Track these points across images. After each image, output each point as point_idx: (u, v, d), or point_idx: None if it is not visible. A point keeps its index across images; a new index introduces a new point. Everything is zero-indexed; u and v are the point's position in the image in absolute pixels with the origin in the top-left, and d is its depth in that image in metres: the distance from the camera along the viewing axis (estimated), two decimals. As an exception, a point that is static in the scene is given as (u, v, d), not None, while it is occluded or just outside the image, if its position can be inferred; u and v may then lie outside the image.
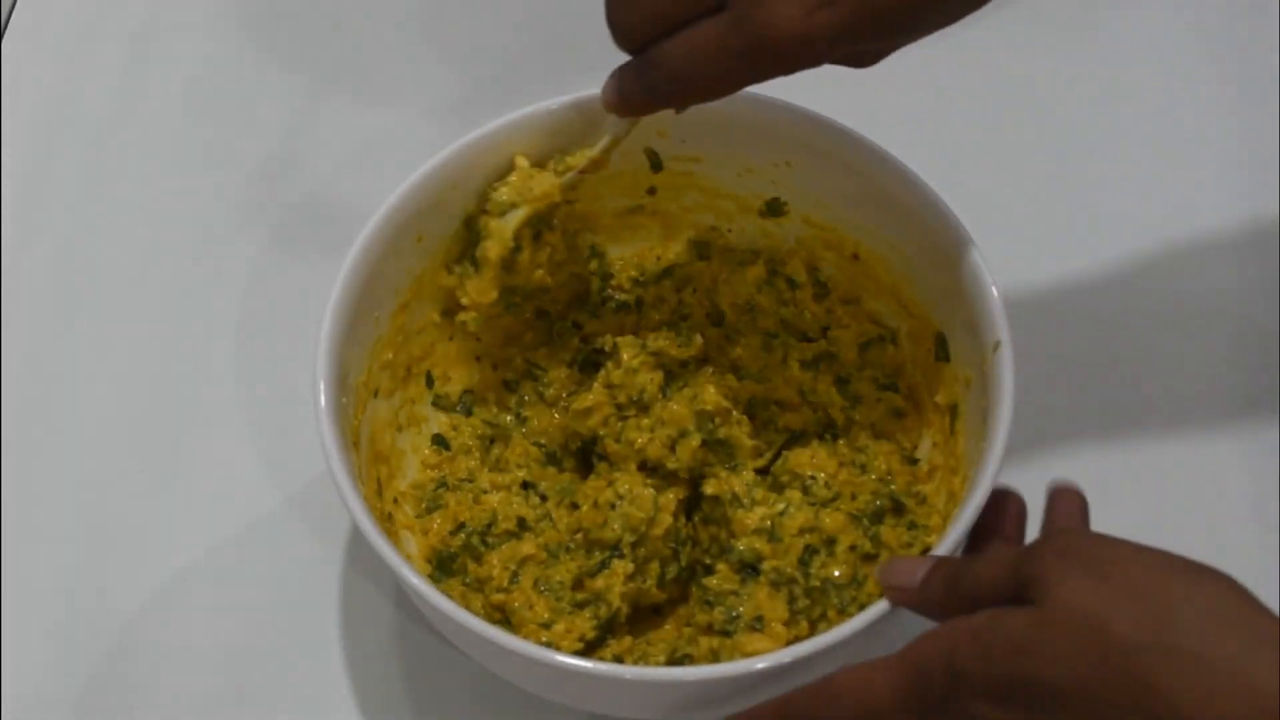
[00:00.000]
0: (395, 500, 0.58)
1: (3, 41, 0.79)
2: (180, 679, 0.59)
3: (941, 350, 0.58)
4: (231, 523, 0.63)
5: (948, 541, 0.48)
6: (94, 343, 0.69)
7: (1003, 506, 0.50)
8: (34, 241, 0.72)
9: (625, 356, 0.58)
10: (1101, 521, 0.61)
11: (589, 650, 0.55)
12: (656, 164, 0.61)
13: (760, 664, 0.47)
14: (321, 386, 0.52)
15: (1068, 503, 0.50)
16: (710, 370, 0.61)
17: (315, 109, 0.77)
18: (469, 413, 0.62)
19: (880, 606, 0.47)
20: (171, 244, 0.72)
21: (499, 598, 0.56)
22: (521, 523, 0.58)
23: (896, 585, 0.46)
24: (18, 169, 0.74)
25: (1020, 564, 0.41)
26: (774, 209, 0.62)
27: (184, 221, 0.73)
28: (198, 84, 0.78)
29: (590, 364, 0.63)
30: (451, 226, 0.59)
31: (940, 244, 0.55)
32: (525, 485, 0.60)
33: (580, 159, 0.56)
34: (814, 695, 0.44)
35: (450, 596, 0.54)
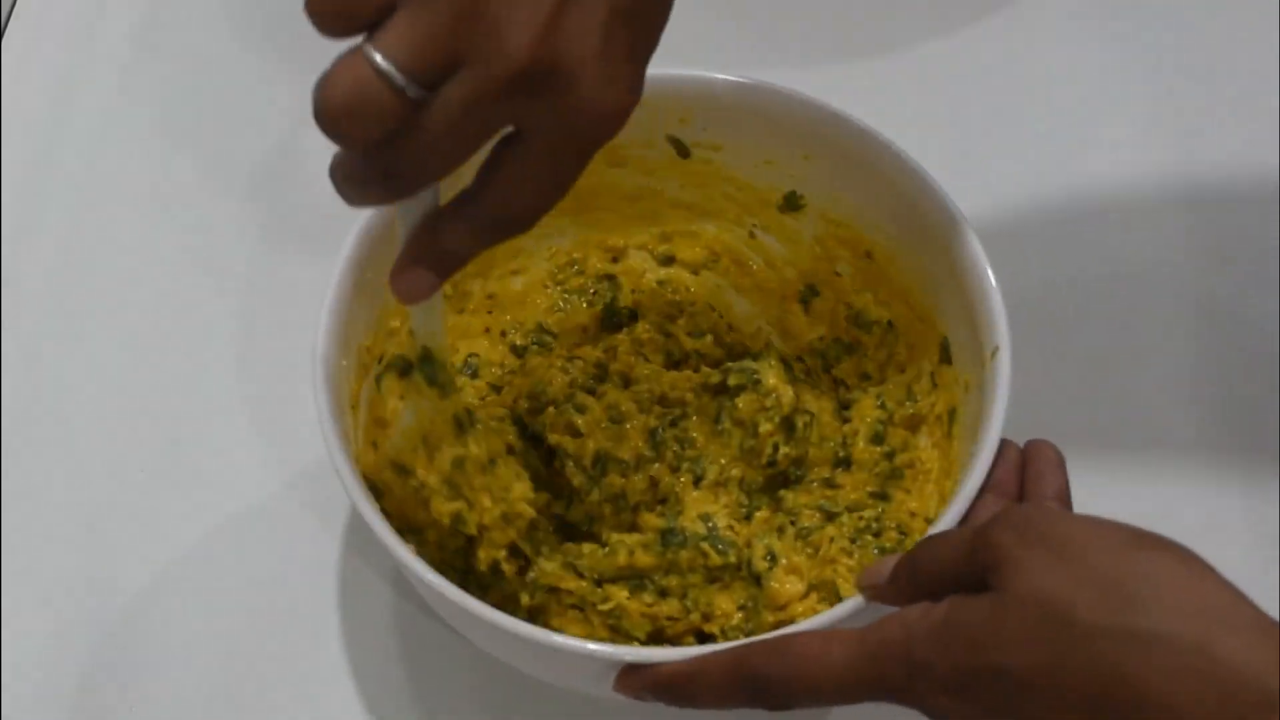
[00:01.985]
0: None
1: (3, 41, 0.79)
2: (179, 663, 0.60)
3: (944, 354, 0.58)
4: (231, 508, 0.64)
5: None
6: (95, 332, 0.69)
7: (1000, 458, 0.50)
8: (34, 239, 0.72)
9: (638, 327, 0.60)
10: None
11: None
12: (683, 150, 0.61)
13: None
14: (321, 341, 0.52)
15: (1045, 457, 0.50)
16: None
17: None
18: (475, 375, 0.62)
19: (854, 601, 0.47)
20: (172, 240, 0.72)
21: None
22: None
23: (869, 584, 0.46)
24: (18, 169, 0.74)
25: (978, 544, 0.40)
26: (791, 203, 0.62)
27: (184, 218, 0.73)
28: (198, 84, 0.78)
29: (612, 324, 0.64)
30: None
31: (948, 247, 0.55)
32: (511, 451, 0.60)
33: None
34: (770, 653, 0.44)
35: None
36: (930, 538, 0.45)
